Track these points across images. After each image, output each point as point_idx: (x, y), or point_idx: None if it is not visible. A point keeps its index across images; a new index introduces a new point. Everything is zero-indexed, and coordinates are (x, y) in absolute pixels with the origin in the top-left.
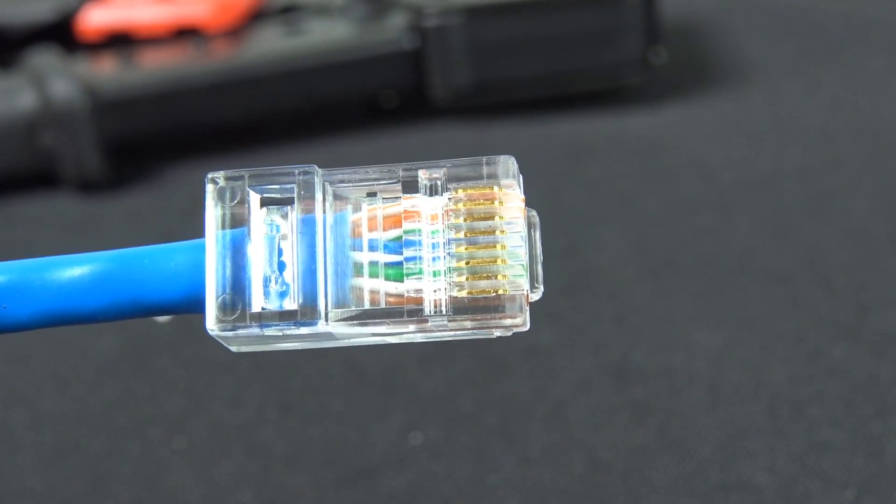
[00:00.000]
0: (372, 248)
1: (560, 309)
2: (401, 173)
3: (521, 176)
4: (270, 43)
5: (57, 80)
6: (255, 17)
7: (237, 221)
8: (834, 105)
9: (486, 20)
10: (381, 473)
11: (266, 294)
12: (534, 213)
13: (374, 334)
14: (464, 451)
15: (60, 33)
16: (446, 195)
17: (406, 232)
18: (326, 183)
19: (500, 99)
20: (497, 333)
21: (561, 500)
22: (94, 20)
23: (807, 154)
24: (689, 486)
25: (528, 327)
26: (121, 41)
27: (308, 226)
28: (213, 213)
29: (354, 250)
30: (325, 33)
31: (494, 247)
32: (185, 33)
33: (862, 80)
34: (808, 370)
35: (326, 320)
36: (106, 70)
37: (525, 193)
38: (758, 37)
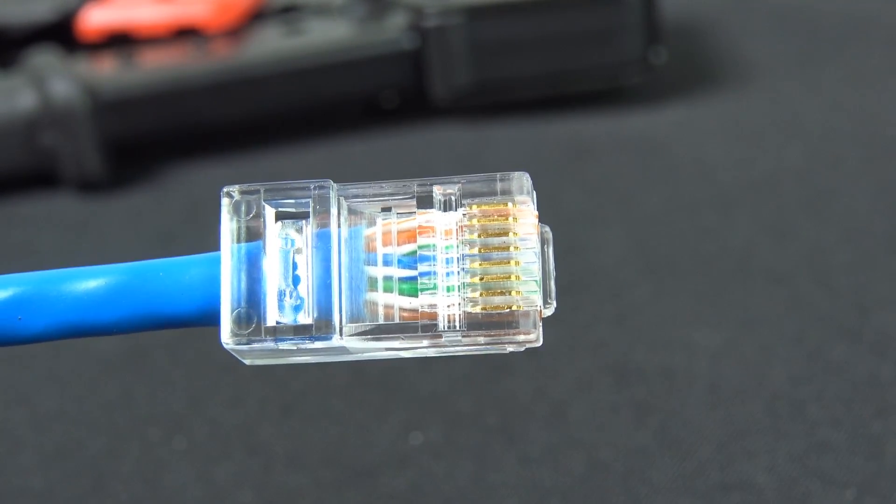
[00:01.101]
0: (386, 262)
1: (560, 309)
2: (415, 188)
3: (534, 192)
4: (270, 43)
5: (57, 80)
6: (255, 17)
7: (252, 235)
8: (834, 105)
9: (486, 20)
10: (381, 473)
11: (281, 308)
12: (547, 228)
13: (387, 349)
14: (464, 451)
15: (60, 33)
16: (461, 211)
17: (420, 247)
18: (341, 197)
19: (500, 99)
20: (510, 349)
21: (561, 500)
22: (94, 20)
23: (807, 154)
24: (689, 486)
25: (540, 343)
26: (121, 41)
27: (323, 240)
28: (228, 227)
29: (369, 265)
30: (325, 33)
31: (508, 263)
32: (185, 33)
33: (862, 80)
34: (808, 370)
35: (341, 335)
36: (106, 70)
37: (536, 211)
38: (758, 37)
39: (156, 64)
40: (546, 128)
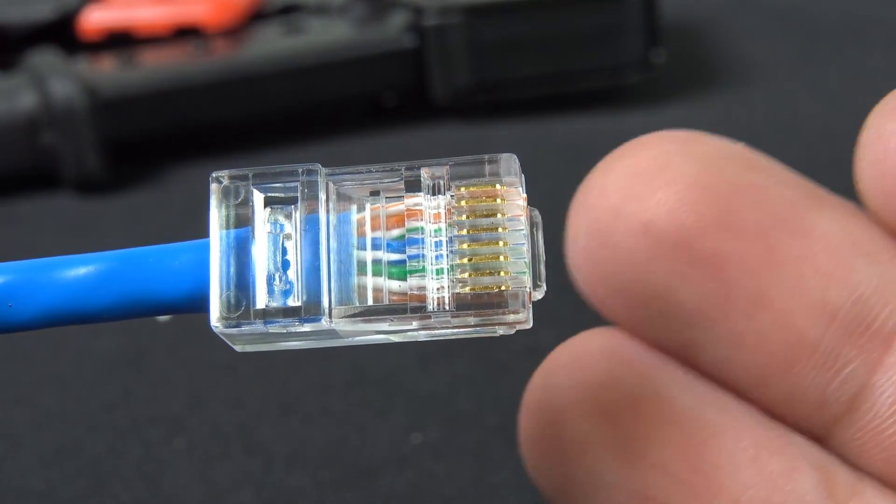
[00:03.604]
0: (375, 246)
1: (560, 309)
2: (404, 172)
3: (523, 174)
4: (270, 43)
5: (57, 80)
6: (255, 17)
7: (241, 221)
8: (834, 105)
9: (486, 20)
10: (381, 473)
11: (270, 292)
12: (536, 212)
13: (377, 331)
14: (464, 451)
15: (60, 33)
16: (449, 193)
17: (409, 230)
18: (330, 182)
19: (500, 99)
20: (500, 331)
21: None
22: (94, 20)
23: (807, 154)
24: None
25: (531, 325)
26: (121, 41)
27: (312, 225)
28: (217, 213)
29: (358, 249)
30: (325, 33)
31: (497, 243)
32: (185, 33)
33: (862, 80)
34: None
35: (330, 317)
36: (106, 70)
37: (525, 193)
38: (758, 37)
39: (156, 64)
40: (546, 128)
